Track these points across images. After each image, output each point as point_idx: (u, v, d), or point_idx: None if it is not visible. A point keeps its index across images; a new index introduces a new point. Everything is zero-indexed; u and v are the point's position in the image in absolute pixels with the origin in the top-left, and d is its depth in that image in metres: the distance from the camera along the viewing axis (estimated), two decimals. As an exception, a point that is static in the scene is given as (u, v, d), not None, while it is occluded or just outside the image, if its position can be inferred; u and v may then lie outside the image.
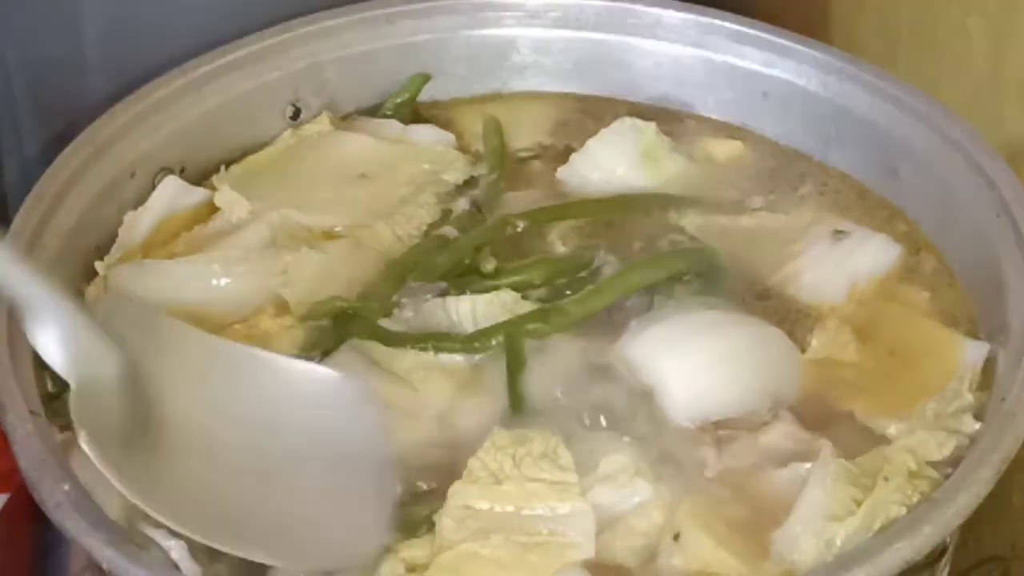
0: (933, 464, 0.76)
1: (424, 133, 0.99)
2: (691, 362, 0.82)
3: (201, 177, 0.95)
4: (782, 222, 0.93)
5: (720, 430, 0.80)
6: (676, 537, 0.74)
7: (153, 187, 0.92)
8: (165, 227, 0.91)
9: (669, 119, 1.00)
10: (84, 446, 0.67)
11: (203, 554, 0.72)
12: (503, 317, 0.85)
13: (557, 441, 0.76)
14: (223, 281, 0.87)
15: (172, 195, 0.92)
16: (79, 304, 0.71)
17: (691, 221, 0.93)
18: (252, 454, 0.74)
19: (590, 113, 1.02)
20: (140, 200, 0.92)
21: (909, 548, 0.69)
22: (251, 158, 0.97)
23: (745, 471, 0.78)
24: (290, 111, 0.99)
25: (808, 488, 0.74)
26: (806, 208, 0.94)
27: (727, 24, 1.00)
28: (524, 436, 0.76)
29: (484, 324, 0.84)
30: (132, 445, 0.70)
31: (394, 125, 0.99)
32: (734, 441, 0.79)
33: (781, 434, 0.80)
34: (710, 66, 1.00)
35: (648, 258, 0.90)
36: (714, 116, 1.01)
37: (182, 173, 0.94)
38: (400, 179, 0.95)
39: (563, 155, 0.98)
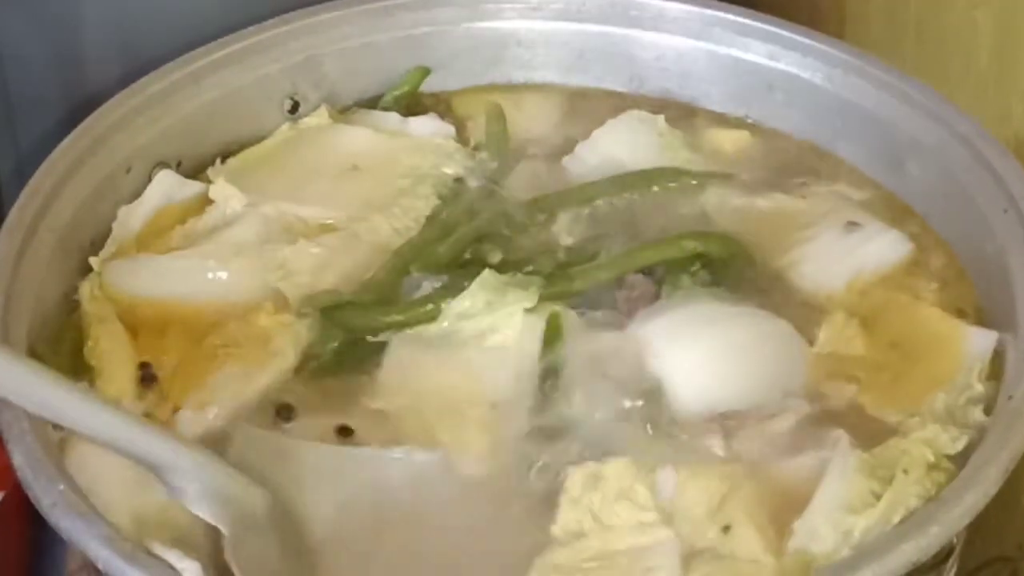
0: (949, 458, 0.75)
1: (423, 126, 0.99)
2: (698, 353, 0.82)
3: (198, 172, 0.95)
4: (799, 207, 0.93)
5: (727, 420, 0.79)
6: (726, 529, 0.73)
7: (149, 182, 0.92)
8: (160, 221, 0.90)
9: (673, 112, 1.00)
10: None
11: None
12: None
13: (632, 476, 0.75)
14: (219, 275, 0.86)
15: (167, 189, 0.92)
16: (213, 454, 0.72)
17: (706, 200, 0.93)
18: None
19: (592, 105, 1.02)
20: (136, 195, 0.91)
21: (916, 548, 0.69)
22: (247, 151, 0.96)
23: (753, 460, 0.77)
24: (288, 104, 0.98)
25: (827, 479, 0.74)
26: (820, 198, 0.93)
27: (731, 16, 0.99)
28: (597, 473, 0.75)
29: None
30: (294, 571, 0.71)
31: (393, 118, 0.99)
32: (741, 430, 0.79)
33: (789, 424, 0.79)
34: (714, 59, 1.00)
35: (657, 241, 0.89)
36: (718, 109, 1.00)
37: (179, 167, 0.94)
38: (398, 171, 0.94)
39: (566, 147, 0.98)
